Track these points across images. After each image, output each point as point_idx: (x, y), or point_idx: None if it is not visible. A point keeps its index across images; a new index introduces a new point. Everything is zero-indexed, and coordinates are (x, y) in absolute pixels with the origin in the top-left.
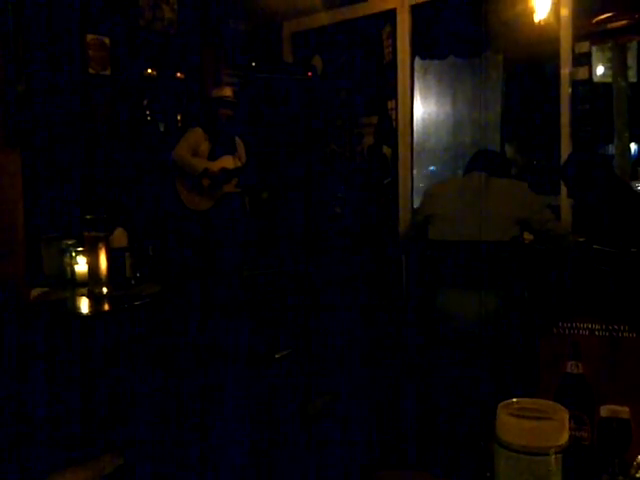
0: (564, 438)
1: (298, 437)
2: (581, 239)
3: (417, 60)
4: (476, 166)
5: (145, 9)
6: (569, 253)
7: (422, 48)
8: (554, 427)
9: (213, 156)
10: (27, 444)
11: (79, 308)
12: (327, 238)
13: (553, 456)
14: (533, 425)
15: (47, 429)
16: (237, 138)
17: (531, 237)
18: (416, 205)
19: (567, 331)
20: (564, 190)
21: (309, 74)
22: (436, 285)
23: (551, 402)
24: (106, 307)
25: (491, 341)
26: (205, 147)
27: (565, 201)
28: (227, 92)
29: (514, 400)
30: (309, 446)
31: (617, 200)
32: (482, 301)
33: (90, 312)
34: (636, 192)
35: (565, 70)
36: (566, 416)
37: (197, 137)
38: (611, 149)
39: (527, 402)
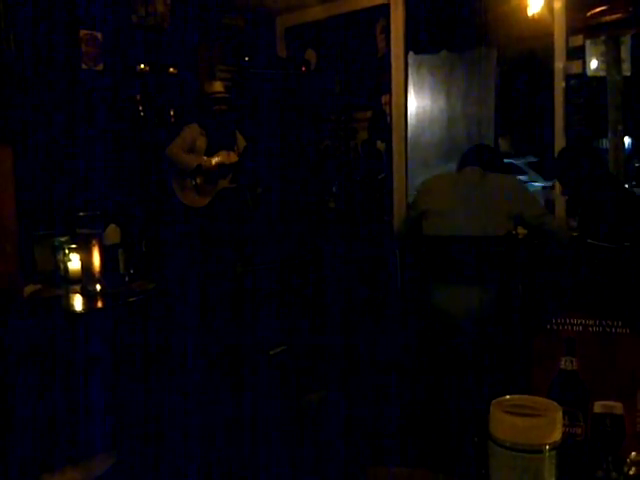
0: (557, 435)
1: (290, 432)
2: (575, 233)
3: (411, 54)
4: (470, 161)
5: (138, 4)
6: (563, 248)
7: (416, 42)
8: (547, 424)
9: (210, 152)
10: (17, 444)
11: (73, 305)
12: (321, 233)
13: (547, 453)
14: (526, 422)
15: (38, 428)
16: (237, 132)
17: (525, 232)
18: (410, 200)
19: (561, 327)
20: (558, 185)
21: (303, 69)
22: (430, 280)
23: (544, 399)
24: (100, 304)
25: (485, 336)
26: (202, 143)
27: (559, 196)
28: (218, 87)
29: (507, 397)
30: (301, 441)
31: (609, 195)
32: (476, 296)
33: (84, 309)
34: (626, 188)
35: (559, 64)
36: (559, 413)
37: (193, 133)
38: (605, 143)
39: (520, 399)
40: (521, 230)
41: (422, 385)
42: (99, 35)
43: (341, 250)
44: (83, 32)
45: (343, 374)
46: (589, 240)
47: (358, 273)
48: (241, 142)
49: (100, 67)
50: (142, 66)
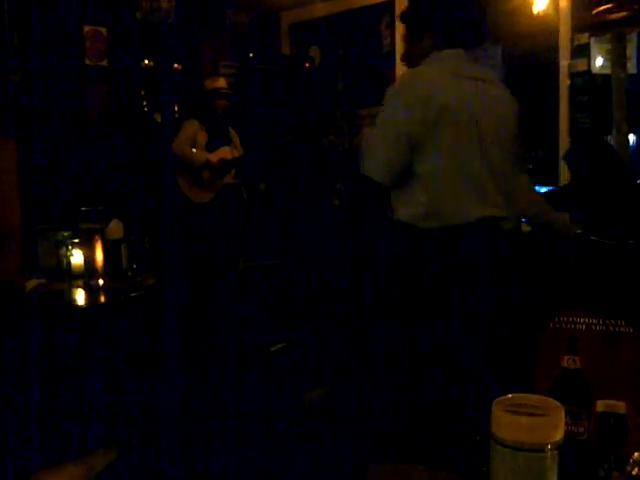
0: (560, 434)
1: (292, 429)
2: (579, 231)
3: None
4: None
5: (142, 0)
6: (567, 245)
7: None
8: (550, 423)
9: (210, 147)
10: (16, 439)
11: (75, 300)
12: (325, 229)
13: (549, 452)
14: (528, 421)
15: (39, 423)
16: (231, 129)
17: (529, 229)
18: None
19: (564, 325)
20: (563, 181)
21: (307, 65)
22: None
23: (547, 398)
24: (102, 299)
25: (489, 334)
26: (202, 138)
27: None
28: (221, 83)
29: (509, 396)
30: (302, 438)
31: (619, 190)
32: (479, 293)
33: (86, 304)
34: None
35: (564, 62)
36: (562, 412)
37: (194, 128)
38: (610, 141)
39: (522, 398)
40: (525, 227)
41: (424, 381)
42: (103, 31)
43: (344, 246)
44: (87, 28)
45: (346, 370)
46: (593, 237)
47: (360, 268)
48: (235, 138)
49: (104, 62)
50: (146, 62)
